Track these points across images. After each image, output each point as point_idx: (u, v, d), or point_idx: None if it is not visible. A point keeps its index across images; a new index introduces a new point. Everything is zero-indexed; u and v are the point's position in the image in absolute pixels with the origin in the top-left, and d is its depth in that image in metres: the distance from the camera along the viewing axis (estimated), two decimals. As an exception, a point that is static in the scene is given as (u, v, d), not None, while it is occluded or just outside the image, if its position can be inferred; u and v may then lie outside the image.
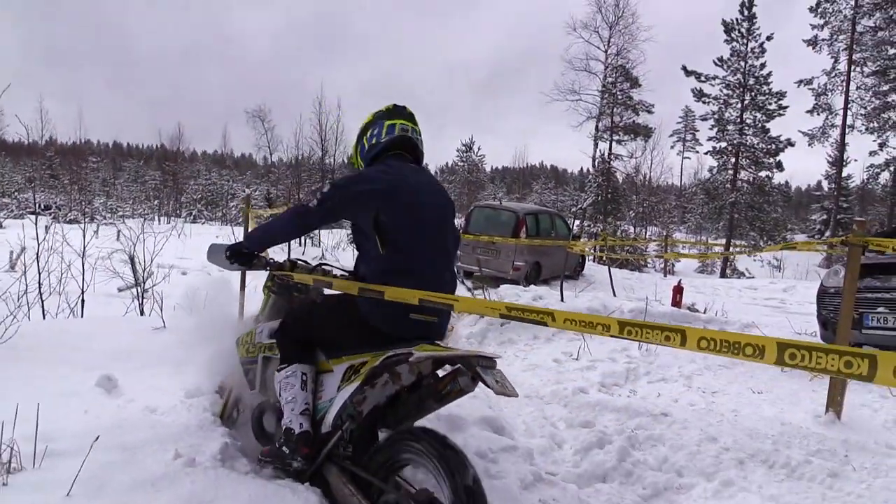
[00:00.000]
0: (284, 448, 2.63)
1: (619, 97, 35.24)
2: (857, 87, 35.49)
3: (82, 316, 6.04)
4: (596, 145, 35.86)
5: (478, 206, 15.74)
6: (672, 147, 51.14)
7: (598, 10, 35.80)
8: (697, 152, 51.53)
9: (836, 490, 3.22)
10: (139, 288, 6.88)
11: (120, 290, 7.60)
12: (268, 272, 3.19)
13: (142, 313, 6.43)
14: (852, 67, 34.93)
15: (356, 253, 2.86)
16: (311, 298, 3.06)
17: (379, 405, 2.59)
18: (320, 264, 3.34)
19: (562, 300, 9.63)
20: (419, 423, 2.67)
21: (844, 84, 35.16)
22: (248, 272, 5.27)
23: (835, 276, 8.08)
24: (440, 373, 2.50)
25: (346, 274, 3.04)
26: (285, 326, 2.88)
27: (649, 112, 35.94)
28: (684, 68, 34.66)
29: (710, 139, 36.10)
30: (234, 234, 16.79)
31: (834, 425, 4.09)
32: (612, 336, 1.69)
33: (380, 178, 2.67)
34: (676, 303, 11.40)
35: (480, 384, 2.34)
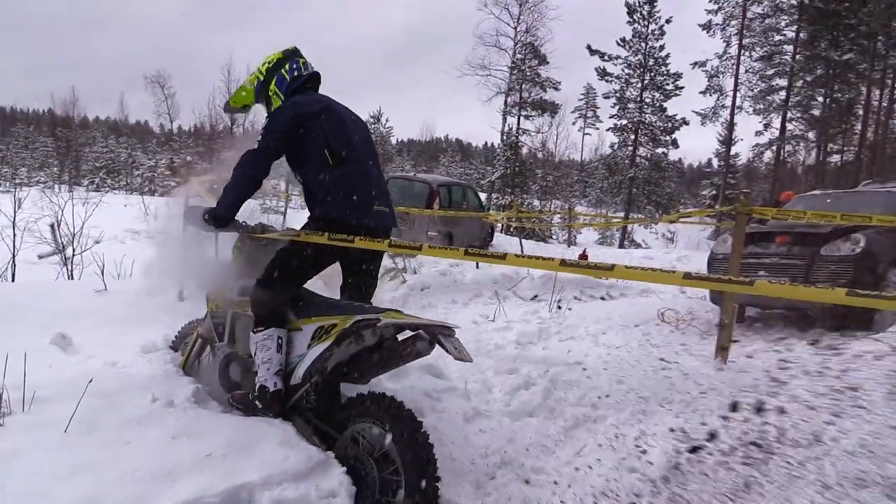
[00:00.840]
0: (258, 402, 2.91)
1: (528, 74, 36.16)
2: (746, 71, 37.88)
3: (13, 280, 5.96)
4: (504, 120, 36.76)
5: (392, 177, 16.01)
6: (573, 123, 52.84)
7: None
8: (598, 129, 53.48)
9: (721, 433, 3.78)
10: (63, 254, 6.83)
11: (41, 256, 7.47)
12: (239, 234, 3.41)
13: (70, 277, 6.40)
14: (742, 52, 37.19)
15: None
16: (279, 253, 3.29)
17: (342, 362, 2.90)
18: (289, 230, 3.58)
19: (477, 267, 10.10)
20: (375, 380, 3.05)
21: (734, 67, 37.42)
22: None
23: (723, 243, 8.91)
24: (400, 337, 2.85)
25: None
26: (261, 290, 3.07)
27: (556, 89, 37.13)
28: (589, 47, 35.85)
29: (611, 117, 37.68)
30: (143, 204, 16.37)
31: (721, 369, 4.72)
32: (555, 270, 2.09)
33: (315, 102, 3.12)
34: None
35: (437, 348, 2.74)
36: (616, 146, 37.99)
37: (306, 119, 3.04)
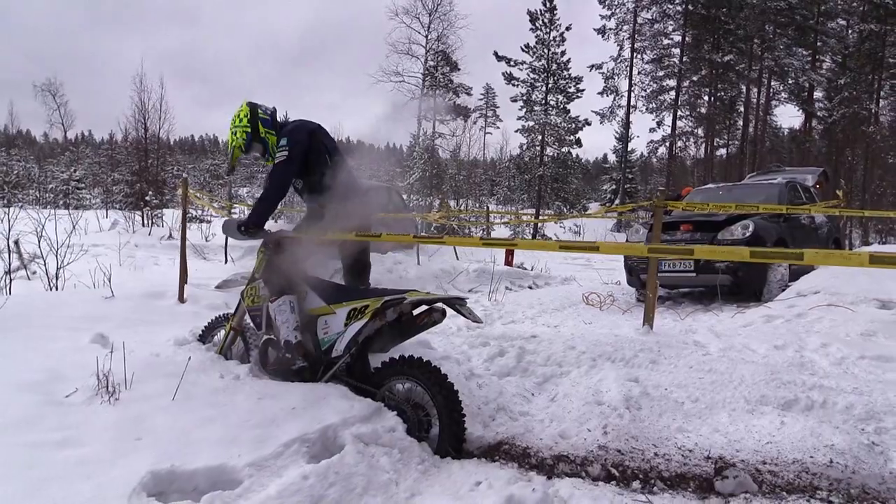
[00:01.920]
0: (287, 355, 3.71)
1: (441, 80, 37.32)
2: (639, 73, 40.50)
3: (9, 294, 6.33)
4: (419, 124, 37.74)
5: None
6: (475, 123, 54.38)
7: None
8: (498, 128, 55.22)
9: (655, 371, 4.81)
10: (27, 269, 7.22)
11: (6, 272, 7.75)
12: (261, 240, 4.17)
13: (53, 289, 6.80)
14: (634, 55, 39.71)
15: None
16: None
17: (370, 335, 3.72)
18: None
19: (418, 263, 11.00)
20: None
21: (628, 69, 39.87)
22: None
23: (636, 233, 10.18)
24: (415, 311, 3.70)
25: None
26: (272, 268, 3.95)
27: (468, 94, 38.52)
28: (496, 54, 37.42)
29: (519, 118, 39.26)
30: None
31: (649, 334, 5.79)
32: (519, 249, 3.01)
33: (309, 123, 4.16)
34: (509, 262, 13.21)
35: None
36: (524, 146, 39.69)
37: (313, 134, 4.04)
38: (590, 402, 3.90)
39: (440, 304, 3.63)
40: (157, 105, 23.83)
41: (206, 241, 13.76)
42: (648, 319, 5.98)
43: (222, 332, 4.55)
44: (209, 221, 17.15)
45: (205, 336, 4.71)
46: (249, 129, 4.13)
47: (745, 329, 6.33)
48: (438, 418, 3.40)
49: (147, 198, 17.17)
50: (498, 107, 53.43)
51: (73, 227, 7.68)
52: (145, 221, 16.78)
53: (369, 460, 2.87)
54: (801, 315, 6.49)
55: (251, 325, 4.36)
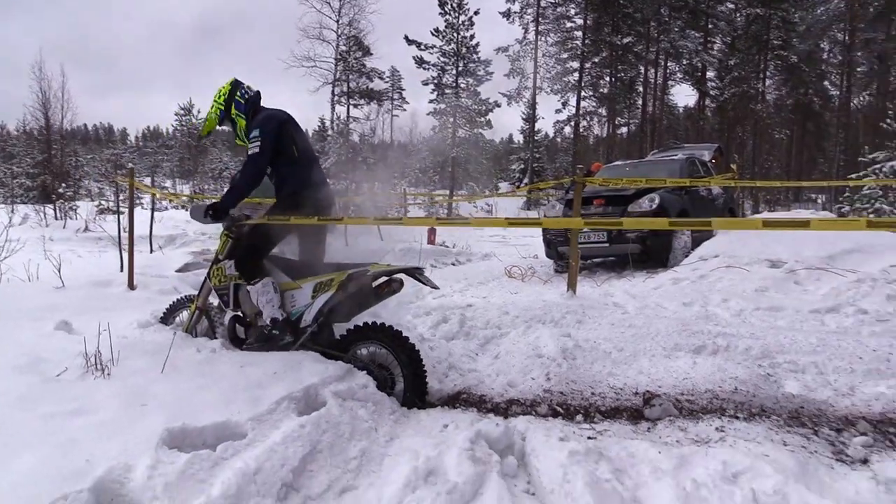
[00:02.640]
0: (275, 332, 4.01)
1: (354, 65, 37.14)
2: (543, 55, 41.57)
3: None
4: (333, 109, 37.53)
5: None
6: (381, 105, 54.40)
7: None
8: (405, 110, 55.40)
9: (583, 329, 5.38)
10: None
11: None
12: (224, 223, 4.41)
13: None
14: (539, 38, 40.70)
15: None
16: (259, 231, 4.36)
17: (334, 306, 4.07)
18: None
19: (346, 244, 11.24)
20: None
21: (533, 52, 40.87)
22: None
23: (552, 209, 10.83)
24: (374, 283, 4.07)
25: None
26: (244, 257, 4.20)
27: (381, 78, 38.49)
28: (406, 38, 37.50)
29: (430, 101, 39.65)
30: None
31: (573, 298, 6.37)
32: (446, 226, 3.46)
33: (280, 112, 4.33)
34: (432, 241, 13.68)
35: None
36: (437, 129, 40.16)
37: (283, 125, 4.19)
38: (531, 355, 4.41)
39: (399, 275, 4.03)
40: (59, 94, 22.70)
41: (124, 231, 13.49)
42: (572, 285, 6.56)
43: (185, 313, 4.78)
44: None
45: (167, 318, 4.92)
46: (223, 108, 4.37)
47: (656, 291, 7.02)
48: (403, 375, 3.82)
49: (60, 190, 16.48)
50: (404, 89, 53.65)
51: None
52: (58, 215, 16.17)
53: (350, 412, 3.26)
54: (704, 276, 7.25)
55: (214, 304, 4.62)
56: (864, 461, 2.83)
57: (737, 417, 3.30)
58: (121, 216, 17.10)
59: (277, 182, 4.31)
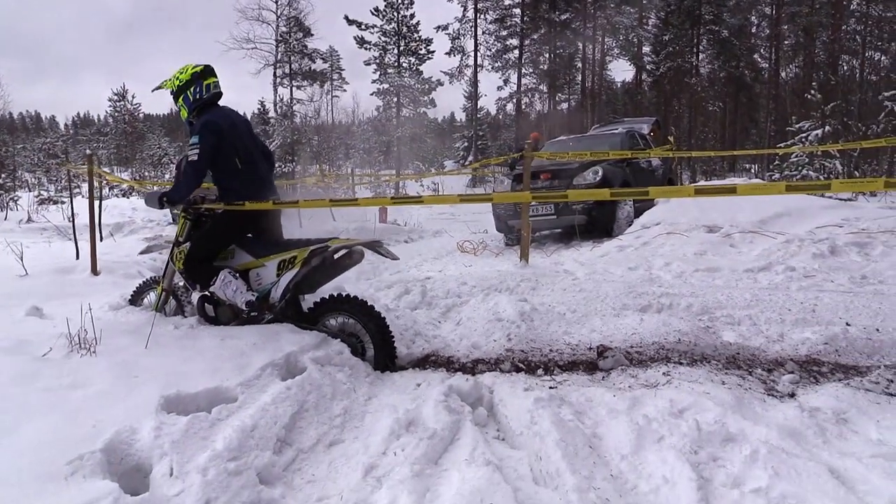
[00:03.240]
0: (254, 314, 4.17)
1: (295, 46, 36.62)
2: (483, 33, 41.73)
3: None
4: (276, 91, 36.99)
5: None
6: (323, 86, 53.87)
7: None
8: (345, 90, 54.87)
9: (537, 295, 5.70)
10: None
11: None
12: (181, 206, 4.53)
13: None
14: (478, 15, 40.81)
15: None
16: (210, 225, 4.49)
17: (299, 281, 4.27)
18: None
19: (300, 226, 11.37)
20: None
21: (473, 30, 41.00)
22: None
23: (500, 184, 11.14)
24: (335, 256, 4.28)
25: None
26: (191, 266, 4.34)
27: (324, 60, 38.01)
28: (346, 18, 37.08)
29: (373, 82, 39.35)
30: None
31: (526, 268, 6.70)
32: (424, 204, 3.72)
33: (223, 118, 4.31)
34: (383, 220, 13.88)
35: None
36: (381, 109, 40.00)
37: (222, 136, 4.21)
38: (491, 320, 4.71)
39: (359, 247, 4.25)
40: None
41: (69, 221, 13.28)
42: (525, 256, 6.89)
43: (153, 295, 4.91)
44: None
45: (135, 299, 5.04)
46: (173, 89, 4.42)
47: (602, 258, 7.42)
48: (372, 342, 4.07)
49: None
50: (343, 69, 53.24)
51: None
52: (-2, 205, 15.69)
53: (329, 376, 3.49)
54: (647, 243, 7.68)
55: (180, 284, 4.76)
56: (792, 395, 3.22)
57: (681, 363, 3.66)
58: (63, 205, 16.81)
59: (220, 193, 4.40)
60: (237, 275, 4.24)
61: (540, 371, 3.82)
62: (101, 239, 10.76)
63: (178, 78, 4.44)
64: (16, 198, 16.92)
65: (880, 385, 3.10)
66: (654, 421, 2.82)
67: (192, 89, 4.38)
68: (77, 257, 7.32)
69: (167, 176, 35.18)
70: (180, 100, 4.45)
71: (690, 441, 2.62)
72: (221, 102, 4.53)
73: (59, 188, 23.27)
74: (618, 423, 2.88)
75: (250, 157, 4.38)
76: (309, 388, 3.25)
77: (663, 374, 3.49)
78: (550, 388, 3.44)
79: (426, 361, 4.19)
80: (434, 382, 3.62)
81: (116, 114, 51.99)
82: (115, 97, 50.86)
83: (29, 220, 13.83)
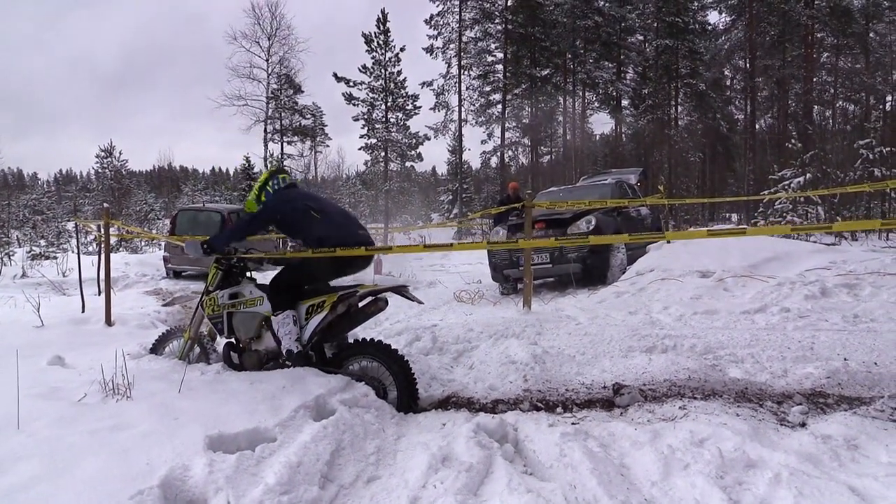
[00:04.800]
0: (289, 362, 4.32)
1: (286, 102, 37.34)
2: (467, 88, 42.78)
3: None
4: (266, 147, 37.45)
5: (182, 210, 16.50)
6: (314, 141, 54.60)
7: (255, 21, 37.70)
8: (328, 146, 55.56)
9: (544, 339, 5.87)
10: None
11: None
12: (214, 257, 4.74)
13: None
14: (462, 72, 41.89)
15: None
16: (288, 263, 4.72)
17: (325, 326, 4.42)
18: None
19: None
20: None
21: (457, 85, 42.01)
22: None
23: (496, 235, 11.38)
24: (360, 304, 4.46)
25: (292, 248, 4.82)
26: (277, 285, 4.54)
27: (314, 115, 38.71)
28: (335, 75, 37.80)
29: (361, 136, 39.80)
30: None
31: (529, 314, 6.88)
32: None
33: (289, 193, 4.74)
34: (379, 271, 14.02)
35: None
36: (370, 163, 40.53)
37: (289, 201, 4.64)
38: (504, 363, 4.87)
39: (384, 295, 4.43)
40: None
41: (64, 276, 13.35)
42: (527, 302, 7.08)
43: (175, 343, 5.04)
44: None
45: (156, 348, 5.15)
46: (257, 193, 4.86)
47: (601, 304, 7.63)
48: (396, 383, 4.21)
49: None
50: (326, 125, 54.13)
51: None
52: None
53: (359, 417, 3.63)
54: (643, 289, 7.91)
55: (204, 332, 4.91)
56: (803, 424, 3.40)
57: (695, 398, 3.84)
58: (56, 259, 16.83)
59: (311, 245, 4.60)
60: (297, 320, 4.41)
61: (559, 409, 3.98)
62: (99, 293, 10.84)
63: (256, 188, 4.88)
64: (10, 253, 16.94)
65: (885, 413, 3.29)
66: (678, 450, 2.98)
67: (270, 183, 4.84)
68: (83, 310, 7.40)
69: (154, 230, 35.16)
70: (262, 197, 4.84)
71: (715, 467, 2.78)
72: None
73: (48, 243, 23.23)
74: (643, 453, 3.04)
75: (324, 207, 4.70)
76: (343, 427, 3.38)
77: (679, 408, 3.66)
78: (573, 423, 3.59)
79: (447, 403, 4.33)
80: (459, 421, 3.76)
81: (103, 169, 52.09)
82: (103, 153, 51.03)
83: (24, 275, 13.84)
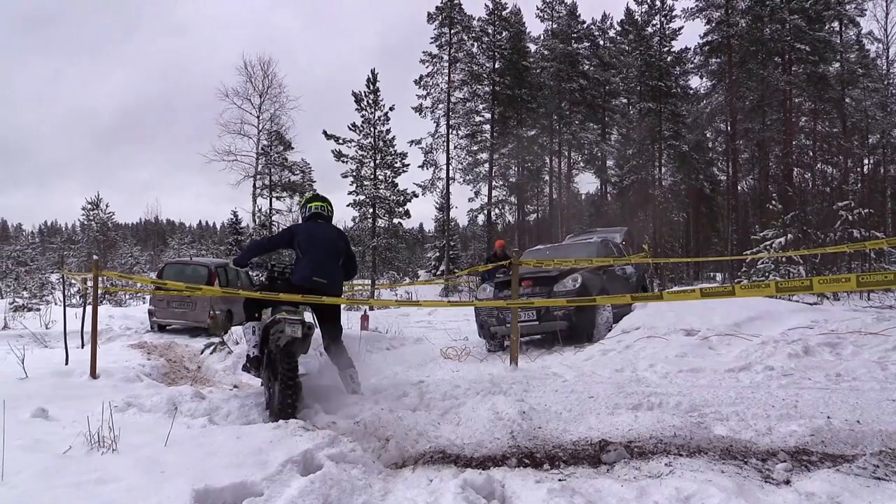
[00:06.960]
0: (248, 364, 5.36)
1: (276, 158, 37.89)
2: (455, 147, 43.55)
3: None
4: (255, 202, 37.82)
5: (169, 263, 16.52)
6: (291, 197, 54.84)
7: (248, 79, 38.53)
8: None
9: (531, 396, 5.88)
10: None
11: None
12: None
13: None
14: (450, 131, 42.70)
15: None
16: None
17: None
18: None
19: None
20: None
21: (445, 144, 42.75)
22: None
23: (483, 292, 11.45)
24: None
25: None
26: (245, 302, 5.80)
27: (303, 172, 39.26)
28: (325, 133, 38.38)
29: (350, 193, 40.12)
30: None
31: (516, 371, 6.91)
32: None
33: (292, 229, 6.02)
34: (365, 327, 13.99)
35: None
36: (357, 219, 40.80)
37: (293, 235, 5.97)
38: (492, 419, 4.87)
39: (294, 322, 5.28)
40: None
41: (47, 328, 13.20)
42: (514, 359, 7.11)
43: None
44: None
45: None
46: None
47: (587, 361, 7.67)
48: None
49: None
50: (315, 181, 54.69)
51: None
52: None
53: (346, 472, 3.62)
54: (629, 347, 7.97)
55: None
56: (787, 482, 3.42)
57: (680, 455, 3.86)
58: (39, 311, 16.62)
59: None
60: (256, 329, 5.38)
61: (546, 465, 3.97)
62: (83, 346, 10.74)
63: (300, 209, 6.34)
64: (-10, 306, 16.81)
65: (867, 470, 3.33)
66: (664, 507, 3.00)
67: (302, 210, 6.37)
68: (66, 362, 7.33)
69: (139, 284, 34.93)
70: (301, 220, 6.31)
71: (701, 524, 2.80)
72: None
73: (31, 295, 23.01)
74: (629, 510, 3.05)
75: (312, 252, 5.77)
76: (330, 482, 3.37)
77: (665, 464, 3.68)
78: (559, 480, 3.60)
79: (433, 459, 4.31)
80: (446, 477, 3.74)
81: (89, 222, 52.03)
82: (90, 205, 51.06)
83: (5, 326, 13.69)
